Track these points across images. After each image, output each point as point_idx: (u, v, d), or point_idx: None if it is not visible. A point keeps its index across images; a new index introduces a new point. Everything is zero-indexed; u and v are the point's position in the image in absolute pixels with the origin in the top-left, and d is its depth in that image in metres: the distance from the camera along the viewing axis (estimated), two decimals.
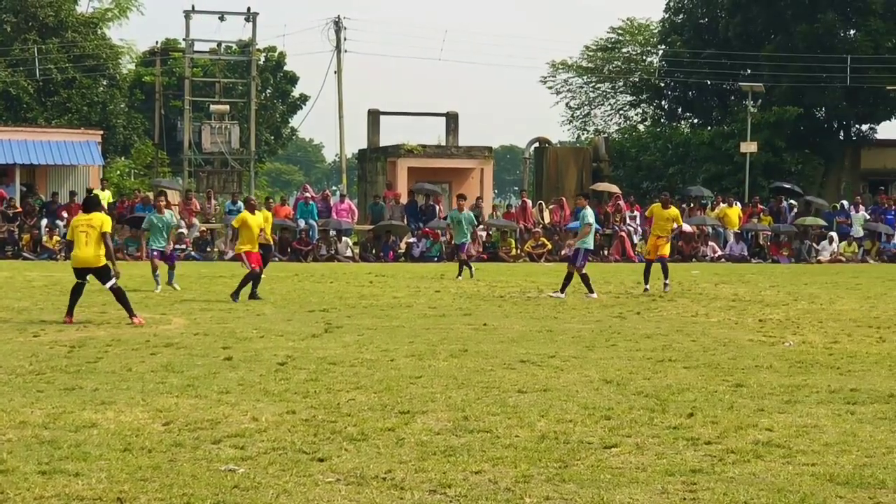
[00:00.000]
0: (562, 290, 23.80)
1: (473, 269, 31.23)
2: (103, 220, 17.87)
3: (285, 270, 29.40)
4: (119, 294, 17.84)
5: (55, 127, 51.84)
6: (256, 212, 24.03)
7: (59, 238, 39.29)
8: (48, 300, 21.56)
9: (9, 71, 56.19)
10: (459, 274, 30.64)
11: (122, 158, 66.58)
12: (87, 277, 17.97)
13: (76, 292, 17.92)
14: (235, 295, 21.91)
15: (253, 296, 22.32)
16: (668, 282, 25.69)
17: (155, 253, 25.37)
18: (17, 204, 42.60)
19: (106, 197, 44.29)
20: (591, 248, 24.96)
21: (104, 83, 61.51)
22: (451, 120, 53.64)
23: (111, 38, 64.77)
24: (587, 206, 25.05)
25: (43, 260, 37.53)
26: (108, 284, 17.84)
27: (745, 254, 43.97)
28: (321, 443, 9.02)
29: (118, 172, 60.93)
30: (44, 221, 40.67)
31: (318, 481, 7.84)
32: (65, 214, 41.12)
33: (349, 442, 9.06)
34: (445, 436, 9.39)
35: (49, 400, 10.66)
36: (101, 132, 50.96)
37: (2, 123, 50.87)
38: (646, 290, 25.32)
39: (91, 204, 18.41)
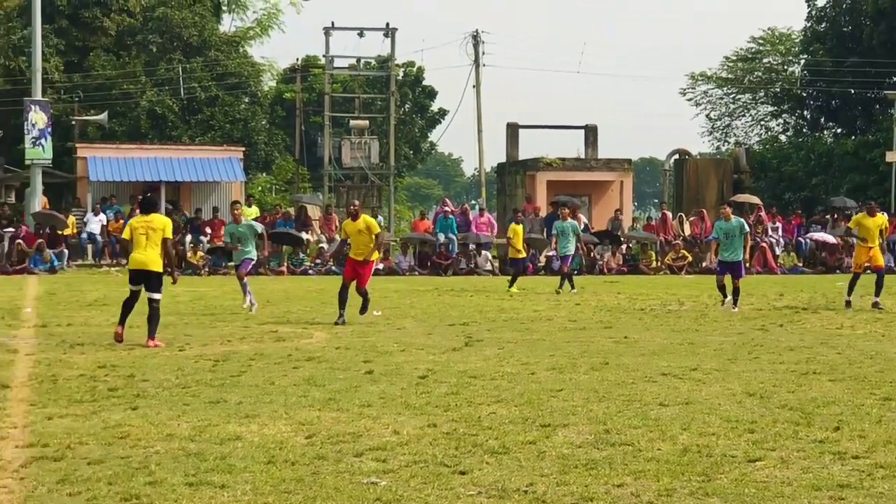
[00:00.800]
0: (734, 304, 23.39)
1: (574, 284, 29.88)
2: (165, 224, 17.20)
3: (425, 284, 29.56)
4: (154, 312, 16.83)
5: (199, 144, 52.81)
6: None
7: (202, 254, 39.98)
8: (193, 315, 21.93)
9: (154, 90, 57.37)
10: (560, 286, 29.54)
11: (264, 174, 67.49)
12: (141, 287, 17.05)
13: (128, 305, 17.04)
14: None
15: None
16: (878, 300, 24.07)
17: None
18: None
19: (252, 213, 45.04)
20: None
21: (246, 100, 62.45)
22: (590, 132, 53.45)
23: (253, 56, 65.77)
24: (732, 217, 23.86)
25: (187, 275, 38.21)
26: (153, 295, 16.86)
27: (893, 265, 43.01)
28: (462, 456, 9.03)
29: (259, 188, 61.80)
30: (188, 238, 41.45)
31: (460, 494, 7.85)
32: (208, 230, 41.88)
33: (490, 455, 9.06)
34: (587, 449, 9.33)
35: (195, 413, 10.84)
36: (244, 149, 51.76)
37: (148, 141, 51.99)
38: (848, 302, 24.22)
39: (149, 205, 17.68)
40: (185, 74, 57.76)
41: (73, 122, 52.05)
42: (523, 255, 32.28)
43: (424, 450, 9.24)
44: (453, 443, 9.52)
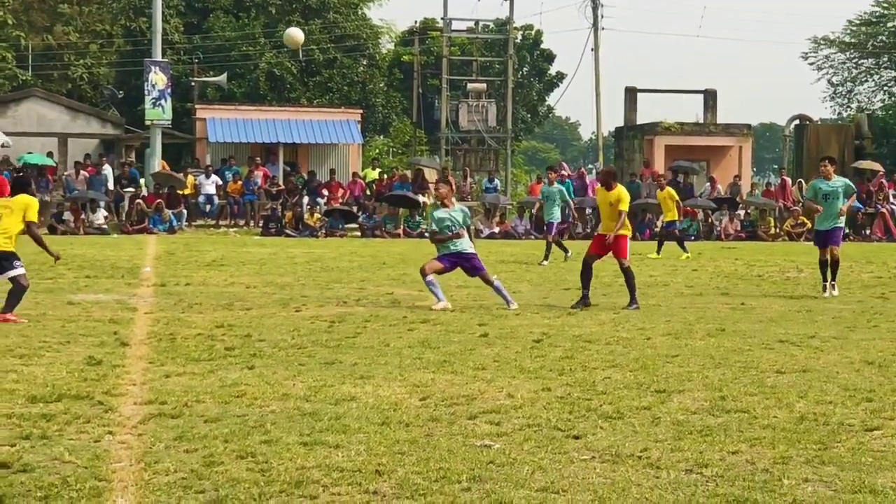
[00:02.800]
0: (833, 282, 21.86)
1: (569, 251, 27.26)
2: (28, 204, 15.38)
3: (542, 248, 29.33)
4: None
5: (317, 106, 53.12)
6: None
7: (319, 215, 40.26)
8: (310, 276, 22.10)
9: (273, 52, 57.79)
10: (546, 258, 26.53)
11: (381, 137, 67.80)
12: None
13: None
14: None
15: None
16: None
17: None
18: (281, 182, 43.86)
19: (373, 175, 45.27)
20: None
21: (364, 63, 62.67)
22: (710, 97, 52.82)
23: (371, 18, 65.97)
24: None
25: (305, 237, 38.52)
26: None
27: None
28: (576, 420, 8.97)
29: (377, 151, 62.10)
30: (305, 199, 41.77)
31: (574, 458, 7.79)
32: (325, 192, 42.15)
33: (604, 420, 8.98)
34: (702, 415, 9.22)
35: (310, 373, 10.90)
36: (361, 111, 52.01)
37: (267, 103, 52.41)
38: None
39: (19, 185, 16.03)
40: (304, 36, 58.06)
41: (193, 84, 52.64)
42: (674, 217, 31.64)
43: (538, 413, 9.19)
44: (567, 407, 9.46)
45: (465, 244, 17.37)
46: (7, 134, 43.61)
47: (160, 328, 14.06)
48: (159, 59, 44.85)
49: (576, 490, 7.04)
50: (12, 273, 15.15)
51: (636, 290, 17.52)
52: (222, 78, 52.17)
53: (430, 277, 16.98)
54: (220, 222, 42.19)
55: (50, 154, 44.97)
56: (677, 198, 30.73)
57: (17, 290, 14.95)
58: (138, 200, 40.34)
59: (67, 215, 39.26)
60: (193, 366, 11.19)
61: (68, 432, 8.29)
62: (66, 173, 43.12)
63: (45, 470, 7.26)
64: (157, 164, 43.44)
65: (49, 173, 42.74)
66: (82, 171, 42.10)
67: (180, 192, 41.34)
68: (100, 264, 24.21)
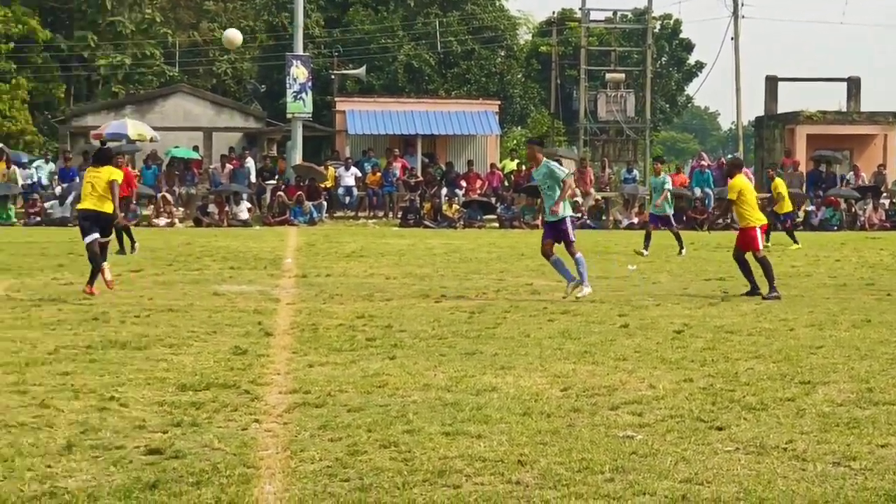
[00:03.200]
0: None
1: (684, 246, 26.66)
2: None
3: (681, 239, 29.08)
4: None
5: (455, 98, 53.27)
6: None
7: (457, 207, 40.37)
8: (448, 267, 22.18)
9: (412, 45, 58.11)
10: (645, 247, 25.96)
11: (519, 128, 67.77)
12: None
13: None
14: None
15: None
16: None
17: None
18: (419, 173, 44.08)
19: (511, 166, 45.21)
20: None
21: (502, 54, 62.70)
22: (853, 85, 51.77)
23: (509, 9, 65.96)
24: None
25: (443, 228, 38.67)
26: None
27: None
28: (719, 411, 8.90)
29: (514, 142, 62.07)
30: (443, 190, 41.92)
31: (717, 450, 7.73)
32: (463, 183, 42.25)
33: (748, 411, 8.89)
34: (848, 407, 9.07)
35: (451, 363, 10.95)
36: (499, 102, 52.01)
37: (405, 95, 52.71)
38: None
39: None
40: (442, 28, 58.31)
41: (333, 77, 53.20)
42: (790, 208, 31.25)
43: (680, 404, 9.13)
44: (710, 398, 9.39)
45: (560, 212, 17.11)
46: (155, 129, 44.59)
47: (302, 318, 14.23)
48: (300, 53, 45.37)
49: (720, 482, 6.99)
50: (89, 238, 16.68)
51: (774, 279, 17.28)
52: (361, 71, 52.63)
53: (555, 256, 16.90)
54: (360, 214, 42.57)
55: (195, 148, 45.82)
56: (784, 189, 30.01)
57: (92, 257, 16.46)
58: (280, 193, 40.89)
59: (212, 208, 39.97)
60: (336, 356, 11.31)
61: (217, 420, 8.46)
62: (211, 167, 43.92)
63: (195, 456, 7.41)
64: (297, 156, 43.97)
65: (195, 167, 43.56)
66: (227, 165, 42.83)
67: (320, 185, 41.80)
68: (243, 256, 24.59)
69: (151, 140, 43.67)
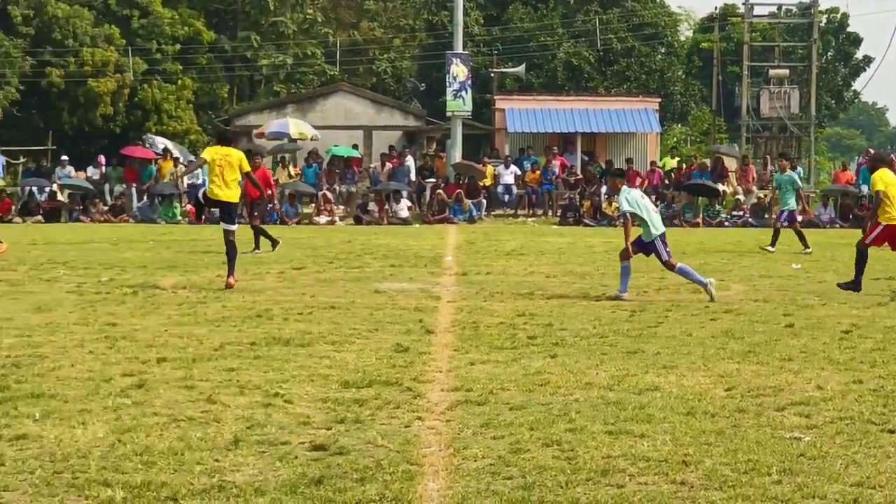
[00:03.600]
0: None
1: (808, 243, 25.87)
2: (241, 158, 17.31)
3: (847, 237, 28.50)
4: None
5: (614, 95, 52.94)
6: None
7: (616, 205, 40.09)
8: (609, 265, 22.01)
9: (572, 42, 57.93)
10: (772, 244, 25.93)
11: (679, 125, 67.08)
12: None
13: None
14: None
15: None
16: None
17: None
18: (578, 171, 43.90)
19: (671, 164, 44.80)
20: None
21: (662, 51, 62.15)
22: None
23: (669, 5, 65.35)
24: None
25: (602, 226, 38.45)
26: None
27: None
28: (891, 414, 8.66)
29: (675, 139, 61.46)
30: (603, 188, 41.63)
31: (890, 453, 7.52)
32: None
33: None
34: None
35: (612, 362, 10.86)
36: (659, 99, 51.55)
37: (564, 93, 52.56)
38: None
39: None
40: (602, 25, 58.00)
41: (492, 75, 53.26)
42: None
43: (850, 406, 8.92)
44: (881, 400, 9.15)
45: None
46: (316, 127, 45.19)
47: (463, 316, 14.25)
48: (460, 51, 45.54)
49: (893, 486, 6.81)
50: (226, 227, 17.54)
51: (861, 272, 17.30)
52: (521, 69, 52.61)
53: (626, 264, 16.86)
54: (519, 212, 42.55)
55: (355, 146, 46.29)
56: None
57: (229, 248, 17.40)
58: (439, 191, 41.09)
59: (372, 206, 40.34)
60: (497, 354, 11.30)
61: (380, 417, 8.50)
62: (371, 165, 44.32)
63: (359, 453, 7.46)
64: (457, 154, 44.14)
65: (355, 165, 44.01)
66: (387, 163, 43.19)
67: (480, 183, 41.88)
68: (403, 254, 24.75)
69: (312, 139, 44.27)
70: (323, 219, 39.26)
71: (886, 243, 17.80)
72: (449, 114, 45.50)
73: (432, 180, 42.70)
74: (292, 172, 42.67)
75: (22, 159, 46.33)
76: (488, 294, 16.81)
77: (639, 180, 42.02)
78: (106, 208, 40.41)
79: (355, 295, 16.52)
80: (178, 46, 57.64)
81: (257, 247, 24.35)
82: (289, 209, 39.70)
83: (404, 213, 40.10)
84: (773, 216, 30.54)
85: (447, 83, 45.06)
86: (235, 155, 17.42)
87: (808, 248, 25.64)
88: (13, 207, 39.97)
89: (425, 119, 51.17)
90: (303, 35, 61.50)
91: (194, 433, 7.93)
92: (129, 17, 57.53)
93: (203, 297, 16.05)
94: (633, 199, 16.90)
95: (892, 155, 45.78)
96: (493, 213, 41.81)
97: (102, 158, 43.53)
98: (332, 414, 8.58)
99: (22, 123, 55.95)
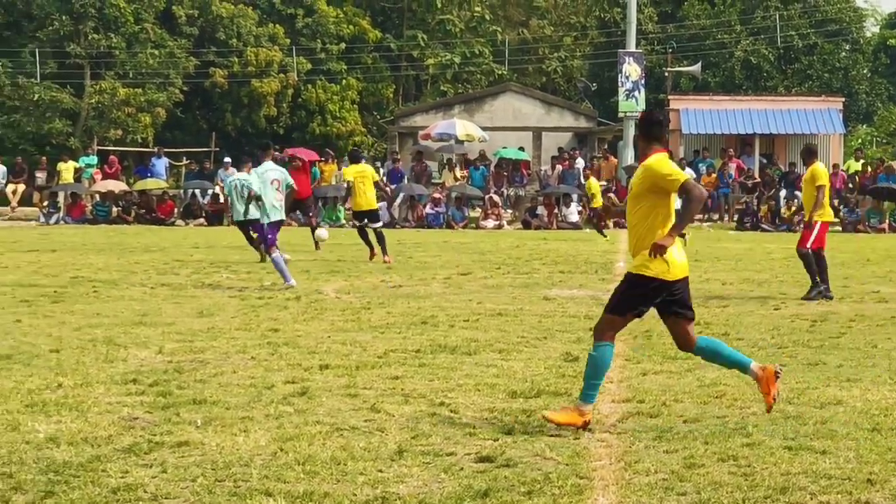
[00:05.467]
0: None
1: None
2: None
3: None
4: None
5: (795, 95, 51.84)
6: None
7: (795, 209, 39.18)
8: (788, 273, 21.45)
9: (750, 39, 56.90)
10: None
11: (864, 126, 65.41)
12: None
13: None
14: None
15: None
16: None
17: None
18: (756, 174, 43.03)
19: (855, 167, 43.58)
20: None
21: (846, 48, 60.67)
22: None
23: (855, 1, 63.69)
24: None
25: (781, 232, 37.62)
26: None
27: None
28: None
29: (860, 141, 59.96)
30: (782, 192, 40.73)
31: None
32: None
33: None
34: None
35: (792, 374, 10.46)
36: (843, 99, 50.28)
37: (742, 92, 51.62)
38: None
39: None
40: (783, 22, 56.81)
41: (667, 74, 52.63)
42: None
43: None
44: None
45: None
46: (483, 129, 45.13)
47: (635, 325, 13.88)
48: (633, 49, 45.09)
49: None
50: (376, 225, 22.81)
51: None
52: (696, 67, 51.79)
53: None
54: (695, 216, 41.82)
55: (523, 148, 46.10)
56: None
57: (383, 237, 22.83)
58: (610, 195, 40.55)
59: (541, 210, 40.12)
60: (670, 364, 11.01)
61: (548, 428, 8.29)
62: (540, 168, 44.08)
63: (527, 465, 7.30)
64: (629, 156, 43.66)
65: (523, 167, 43.84)
66: (557, 165, 42.90)
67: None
68: (573, 259, 24.50)
69: (480, 140, 44.21)
70: (490, 223, 39.15)
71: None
72: (621, 114, 45.10)
73: (603, 183, 42.26)
74: (458, 175, 42.69)
75: (185, 161, 47.15)
76: None
77: None
78: None
79: (523, 302, 16.33)
80: (342, 45, 58.14)
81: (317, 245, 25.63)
82: (455, 213, 39.71)
83: (574, 217, 39.80)
84: None
85: (619, 83, 44.67)
86: (369, 171, 22.99)
87: None
88: (176, 210, 40.60)
89: (596, 120, 50.77)
90: (470, 33, 61.56)
91: (357, 443, 7.82)
92: (294, 15, 58.23)
93: (367, 302, 16.01)
94: None
95: None
96: None
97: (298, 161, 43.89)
98: (498, 424, 8.42)
99: (185, 125, 57.09)
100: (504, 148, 45.46)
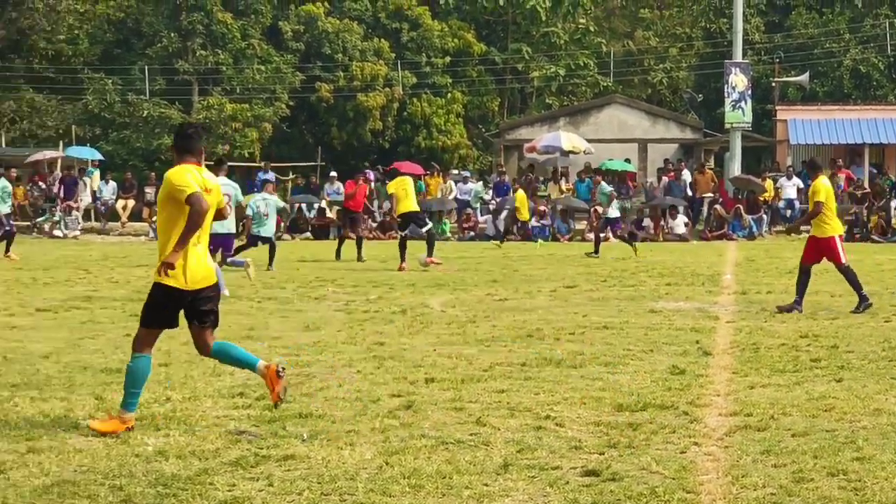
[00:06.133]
0: None
1: None
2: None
3: None
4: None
5: None
6: None
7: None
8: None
9: (859, 48, 56.05)
10: None
11: None
12: None
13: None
14: None
15: None
16: None
17: None
18: (866, 185, 42.36)
19: None
20: None
21: None
22: None
23: None
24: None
25: (892, 243, 36.98)
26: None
27: None
28: None
29: None
30: (893, 203, 40.05)
31: None
32: None
33: None
34: None
35: None
36: None
37: (851, 102, 50.85)
38: None
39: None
40: (893, 30, 55.88)
41: (773, 84, 52.01)
42: None
43: None
44: None
45: None
46: (589, 140, 44.93)
47: (742, 338, 13.80)
48: (739, 60, 44.65)
49: None
50: (426, 228, 25.66)
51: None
52: (804, 77, 51.08)
53: None
54: (802, 227, 41.27)
55: (628, 160, 45.86)
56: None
57: (433, 237, 26.06)
58: (717, 206, 40.29)
59: (647, 221, 39.85)
60: (778, 377, 10.88)
61: (654, 442, 8.26)
62: (646, 181, 43.80)
63: (633, 479, 7.26)
64: (736, 167, 43.23)
65: (629, 179, 43.60)
66: (663, 177, 42.61)
67: (760, 198, 40.87)
68: (680, 271, 24.30)
69: (585, 152, 44.03)
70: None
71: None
72: (727, 125, 44.67)
73: (709, 195, 41.88)
74: (564, 187, 42.57)
75: (291, 175, 47.51)
76: (769, 314, 16.28)
77: None
78: (374, 225, 40.88)
79: (629, 314, 16.23)
80: (447, 59, 58.27)
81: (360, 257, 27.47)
82: (561, 225, 39.60)
83: (681, 230, 39.49)
84: None
85: (726, 93, 44.25)
86: (408, 180, 25.63)
87: None
88: (282, 224, 40.75)
89: (703, 131, 50.30)
90: (575, 45, 61.35)
91: (463, 456, 7.83)
92: (399, 30, 58.45)
93: (472, 316, 16.01)
94: None
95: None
96: (774, 228, 40.70)
97: (371, 174, 43.92)
98: (604, 438, 8.39)
99: (291, 139, 57.47)
100: (609, 160, 45.23)
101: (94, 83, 54.17)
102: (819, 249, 17.38)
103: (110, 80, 53.97)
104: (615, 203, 31.09)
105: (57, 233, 40.80)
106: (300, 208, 42.96)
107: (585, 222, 40.12)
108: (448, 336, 13.89)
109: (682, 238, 38.75)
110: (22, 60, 55.83)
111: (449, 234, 40.01)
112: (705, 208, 41.32)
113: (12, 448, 8.08)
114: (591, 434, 8.52)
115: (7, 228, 28.51)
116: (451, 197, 42.12)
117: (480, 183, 44.12)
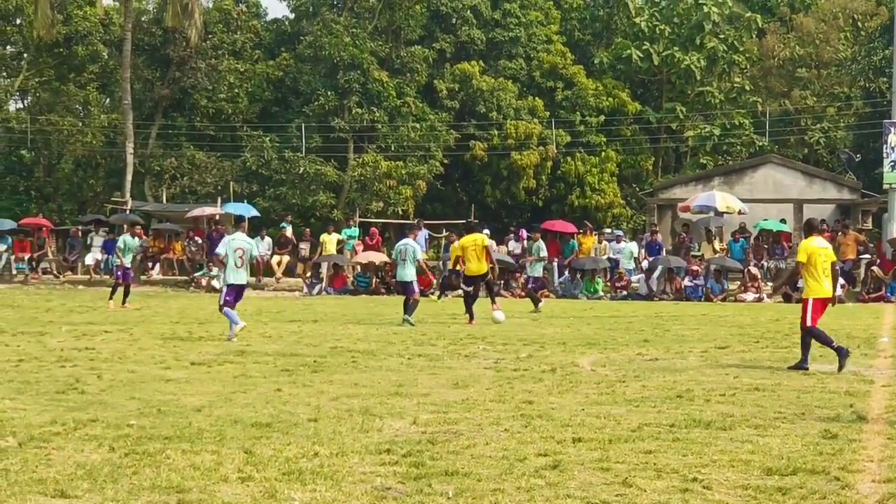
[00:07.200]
0: None
1: None
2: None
3: None
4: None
5: None
6: None
7: None
8: None
9: None
10: None
11: None
12: None
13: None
14: None
15: None
16: None
17: None
18: None
19: None
20: None
21: None
22: None
23: None
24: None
25: None
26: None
27: None
28: None
29: None
30: None
31: None
32: None
33: None
34: None
35: None
36: None
37: None
38: None
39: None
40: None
41: None
42: None
43: None
44: None
45: None
46: (743, 200, 44.46)
47: None
48: None
49: None
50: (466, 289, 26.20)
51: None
52: None
53: None
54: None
55: (784, 220, 45.22)
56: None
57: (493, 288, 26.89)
58: (874, 268, 39.43)
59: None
60: None
61: None
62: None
63: None
64: (894, 228, 42.31)
65: (784, 240, 42.95)
66: None
67: None
68: (835, 333, 23.67)
69: (740, 212, 43.56)
70: (749, 296, 38.38)
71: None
72: (886, 186, 43.81)
73: (867, 256, 41.00)
74: (718, 247, 42.10)
75: (444, 233, 47.74)
76: None
77: None
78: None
79: (781, 377, 15.96)
80: (602, 118, 58.28)
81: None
82: (714, 285, 39.12)
83: (837, 291, 38.62)
84: None
85: (884, 153, 43.46)
86: (480, 238, 26.29)
87: None
88: (434, 282, 40.78)
89: (860, 192, 49.37)
90: (730, 105, 60.85)
91: None
92: (553, 88, 58.67)
93: (622, 375, 15.90)
94: None
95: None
96: None
97: (524, 232, 43.86)
98: (752, 502, 8.31)
99: (445, 197, 57.88)
100: (764, 220, 44.63)
101: (252, 140, 55.38)
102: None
103: (268, 138, 55.11)
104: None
105: (215, 284, 41.50)
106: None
107: (739, 283, 39.60)
108: (597, 396, 13.81)
109: (839, 300, 37.89)
110: (184, 119, 57.33)
111: (601, 293, 39.80)
112: (862, 270, 40.42)
113: (163, 500, 8.25)
114: (738, 498, 8.41)
115: (117, 279, 31.97)
116: (603, 256, 41.91)
117: (634, 242, 43.84)
